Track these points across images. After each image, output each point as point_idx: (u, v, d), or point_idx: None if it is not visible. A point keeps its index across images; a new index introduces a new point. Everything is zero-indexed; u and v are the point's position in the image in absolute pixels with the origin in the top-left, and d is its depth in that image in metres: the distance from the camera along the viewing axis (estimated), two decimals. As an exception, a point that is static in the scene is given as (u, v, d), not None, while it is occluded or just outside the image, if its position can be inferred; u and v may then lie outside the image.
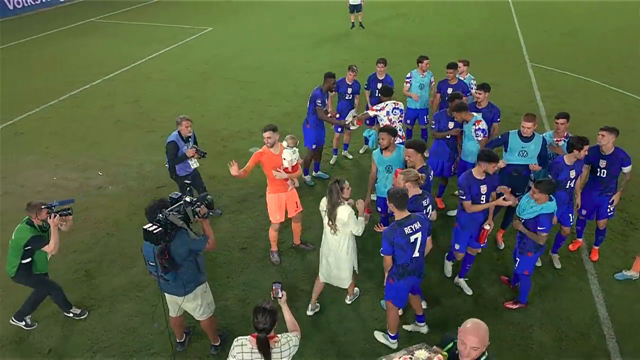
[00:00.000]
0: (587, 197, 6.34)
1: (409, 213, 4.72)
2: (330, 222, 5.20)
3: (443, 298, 6.09)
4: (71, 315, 5.79)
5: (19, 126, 10.73)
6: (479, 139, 6.84)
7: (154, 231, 4.32)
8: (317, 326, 5.70)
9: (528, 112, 6.31)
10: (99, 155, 9.50)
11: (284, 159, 6.18)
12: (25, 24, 19.81)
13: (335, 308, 5.93)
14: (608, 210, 6.36)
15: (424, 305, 5.83)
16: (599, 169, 6.16)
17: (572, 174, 5.92)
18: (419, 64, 8.71)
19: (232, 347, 3.72)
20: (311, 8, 22.31)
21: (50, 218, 5.25)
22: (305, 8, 22.35)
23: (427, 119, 8.99)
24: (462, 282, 6.21)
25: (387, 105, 7.56)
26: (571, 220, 6.32)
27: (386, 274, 5.00)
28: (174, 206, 4.59)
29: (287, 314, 4.06)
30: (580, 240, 6.91)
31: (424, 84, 8.74)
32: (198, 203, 4.75)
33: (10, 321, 5.64)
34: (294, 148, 6.31)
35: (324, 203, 5.27)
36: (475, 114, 6.94)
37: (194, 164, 7.03)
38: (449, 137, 7.18)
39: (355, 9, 18.06)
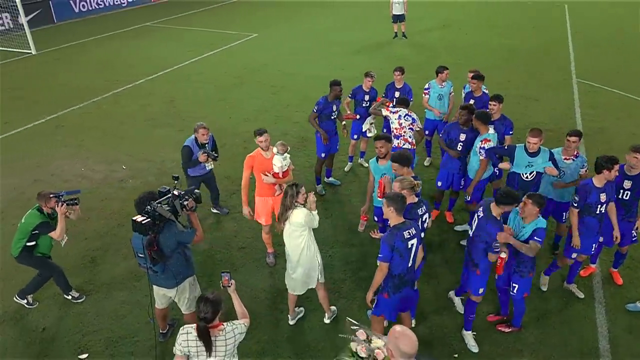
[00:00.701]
0: (607, 222, 5.88)
1: (404, 219, 4.63)
2: (282, 223, 5.25)
3: (433, 315, 5.88)
4: (70, 298, 6.09)
5: (62, 119, 11.48)
6: (482, 157, 6.59)
7: (143, 222, 4.46)
8: (299, 333, 5.68)
9: (534, 128, 6.01)
10: (127, 150, 9.98)
11: (274, 164, 6.21)
12: (86, 26, 21.21)
13: (319, 315, 5.88)
14: (632, 235, 5.96)
15: (413, 323, 5.67)
16: (622, 190, 5.76)
17: (603, 197, 5.44)
18: (439, 74, 8.53)
19: (178, 334, 3.79)
20: (356, 18, 22.42)
21: (58, 206, 5.59)
22: (351, 17, 22.49)
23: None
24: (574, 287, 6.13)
25: (399, 110, 7.49)
26: (592, 250, 5.88)
27: (371, 292, 4.76)
28: (163, 198, 4.75)
29: (236, 302, 4.22)
30: (593, 266, 6.47)
31: (442, 95, 8.54)
32: (186, 197, 4.89)
33: (14, 299, 6.02)
34: (285, 155, 6.27)
35: (300, 217, 5.20)
36: (490, 130, 6.65)
37: (209, 165, 7.21)
38: (459, 149, 6.95)
39: (398, 19, 17.96)
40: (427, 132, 8.82)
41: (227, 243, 7.22)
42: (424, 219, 5.14)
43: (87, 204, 7.79)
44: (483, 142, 6.53)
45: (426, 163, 9.27)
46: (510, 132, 7.17)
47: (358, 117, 8.53)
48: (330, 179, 8.74)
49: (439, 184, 7.34)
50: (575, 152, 6.16)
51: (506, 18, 21.39)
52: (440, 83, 8.54)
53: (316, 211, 5.30)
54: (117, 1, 24.76)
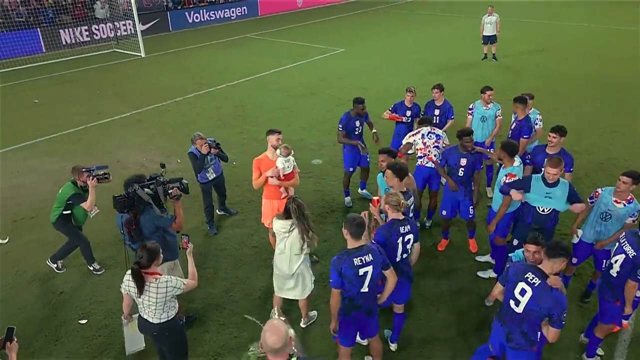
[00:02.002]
0: None
1: (363, 244, 4.42)
2: (306, 244, 5.14)
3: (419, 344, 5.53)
4: (91, 269, 6.75)
5: (143, 114, 12.75)
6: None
7: (119, 199, 4.90)
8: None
9: (553, 156, 5.41)
10: (187, 145, 10.71)
11: (277, 166, 6.27)
12: (195, 35, 23.30)
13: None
14: None
15: (393, 347, 5.41)
16: None
17: None
18: (482, 94, 8.03)
19: (125, 273, 4.29)
20: (447, 37, 21.81)
21: (89, 180, 6.24)
22: (442, 37, 21.94)
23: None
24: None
25: (422, 129, 7.24)
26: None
27: (333, 319, 4.60)
28: (146, 183, 5.13)
29: (190, 265, 4.70)
30: (626, 322, 5.59)
31: (486, 117, 8.02)
32: (171, 185, 5.23)
33: (47, 262, 6.82)
34: (288, 157, 6.32)
35: (280, 224, 5.18)
36: (516, 162, 6.11)
37: (210, 175, 7.42)
38: (461, 174, 6.51)
39: (489, 40, 17.17)
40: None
41: (242, 241, 7.46)
42: (406, 239, 4.88)
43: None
44: (508, 177, 6.01)
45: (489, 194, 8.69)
46: (571, 169, 6.45)
47: (404, 119, 8.40)
48: (364, 191, 8.62)
49: (444, 212, 6.90)
50: (630, 196, 5.40)
51: (616, 48, 19.32)
52: (484, 104, 8.04)
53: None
54: (226, 14, 26.86)
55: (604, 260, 5.52)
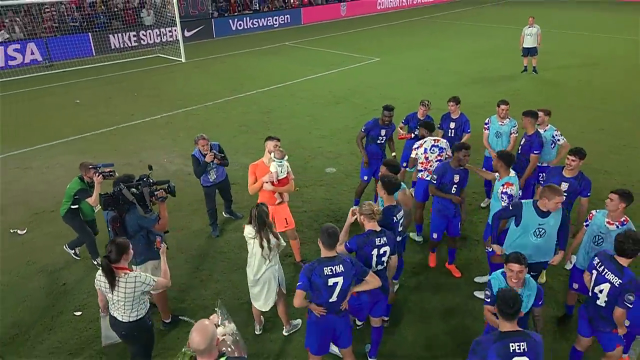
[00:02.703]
0: None
1: (335, 254, 4.40)
2: (268, 250, 5.15)
3: (399, 360, 5.38)
4: (95, 263, 7.03)
5: (173, 117, 13.19)
6: (503, 203, 5.81)
7: (104, 197, 5.10)
8: (259, 341, 5.71)
9: (551, 185, 5.10)
10: (207, 149, 11.04)
11: (270, 170, 6.31)
12: (237, 42, 23.89)
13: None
14: None
15: (371, 361, 5.31)
16: None
17: None
18: (497, 108, 7.75)
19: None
20: (487, 49, 21.21)
21: (95, 176, 6.50)
22: (481, 48, 21.36)
23: None
24: None
25: (425, 142, 7.12)
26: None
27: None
28: (133, 183, 5.31)
29: (163, 264, 4.85)
30: (625, 357, 5.21)
31: (501, 133, 7.73)
32: (157, 187, 5.38)
33: (64, 247, 7.17)
34: (282, 162, 6.32)
35: (247, 229, 5.22)
36: (512, 172, 5.90)
37: (212, 176, 7.48)
38: (454, 191, 6.31)
39: (529, 52, 16.56)
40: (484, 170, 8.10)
41: (242, 245, 7.47)
42: (381, 251, 4.79)
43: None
44: (505, 186, 5.81)
45: (483, 204, 8.41)
46: (588, 194, 6.07)
47: (412, 136, 8.22)
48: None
49: (435, 235, 6.61)
50: (624, 217, 5.07)
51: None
52: (500, 120, 7.75)
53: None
54: (269, 22, 27.39)
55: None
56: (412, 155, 7.23)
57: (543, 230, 5.06)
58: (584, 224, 5.41)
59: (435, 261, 6.93)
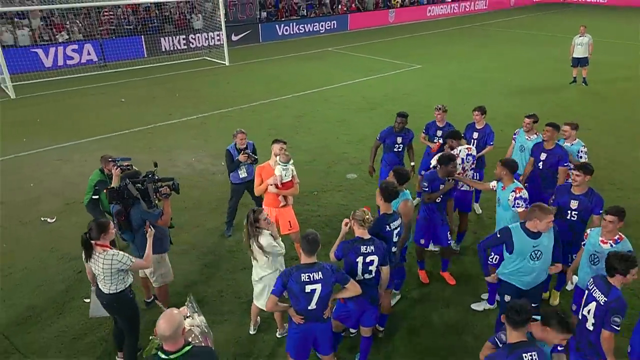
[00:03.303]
0: None
1: (315, 261, 4.38)
2: (251, 253, 5.20)
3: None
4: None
5: (207, 118, 13.60)
6: (519, 209, 5.58)
7: (110, 190, 5.35)
8: (251, 341, 5.77)
9: (539, 204, 4.81)
10: (234, 150, 11.30)
11: (275, 173, 6.36)
12: (282, 47, 24.28)
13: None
14: None
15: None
16: None
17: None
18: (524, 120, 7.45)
19: None
20: (535, 58, 20.38)
21: (114, 169, 6.78)
22: (530, 57, 20.56)
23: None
24: None
25: (460, 151, 6.93)
26: None
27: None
28: (138, 179, 5.52)
29: (148, 247, 5.15)
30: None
31: (525, 147, 7.39)
32: (162, 183, 5.57)
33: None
34: (287, 165, 6.36)
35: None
36: (516, 181, 5.69)
37: (242, 173, 7.62)
38: (438, 200, 6.15)
39: (579, 62, 15.79)
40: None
41: (251, 245, 7.64)
42: (367, 260, 4.71)
43: None
44: (517, 191, 5.63)
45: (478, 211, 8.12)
46: (600, 211, 5.70)
47: (433, 145, 8.12)
48: None
49: (422, 241, 6.47)
50: (618, 235, 4.77)
51: None
52: (527, 134, 7.42)
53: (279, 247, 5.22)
54: (315, 28, 27.67)
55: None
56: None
57: (539, 252, 4.79)
58: (582, 243, 5.14)
59: (427, 278, 6.70)
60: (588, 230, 5.04)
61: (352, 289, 4.51)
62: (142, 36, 21.66)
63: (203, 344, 3.86)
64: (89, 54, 20.28)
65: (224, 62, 20.42)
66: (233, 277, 6.91)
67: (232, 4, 24.72)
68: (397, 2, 32.29)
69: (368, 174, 7.97)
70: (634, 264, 4.04)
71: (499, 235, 4.99)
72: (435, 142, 8.07)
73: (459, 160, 6.91)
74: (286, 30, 26.51)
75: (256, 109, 14.36)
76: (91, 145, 11.67)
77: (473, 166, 7.09)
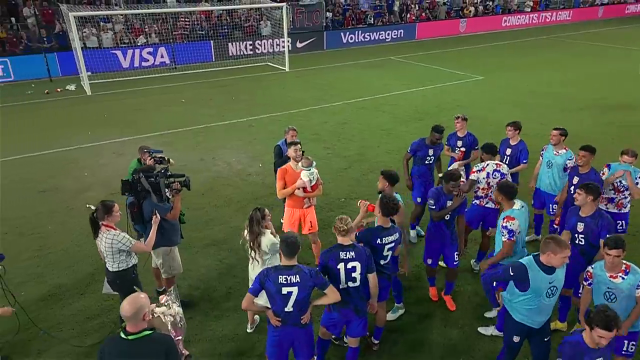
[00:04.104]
0: None
1: (294, 264, 4.39)
2: (254, 252, 5.30)
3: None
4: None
5: (256, 121, 14.00)
6: (504, 239, 5.27)
7: (123, 182, 5.71)
8: (248, 339, 5.87)
9: (554, 237, 4.37)
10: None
11: (302, 179, 6.44)
12: (345, 55, 24.42)
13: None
14: None
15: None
16: None
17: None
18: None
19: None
20: (611, 73, 18.85)
21: (148, 159, 7.15)
22: (605, 72, 19.06)
23: (553, 209, 7.06)
24: None
25: (487, 165, 6.68)
26: None
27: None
28: (152, 173, 5.83)
29: (151, 234, 5.49)
30: None
31: (553, 163, 6.93)
32: (173, 180, 5.85)
33: None
34: (311, 169, 6.43)
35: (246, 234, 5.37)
36: (517, 204, 5.37)
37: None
38: (447, 217, 5.84)
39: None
40: (534, 204, 7.38)
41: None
42: (349, 266, 4.64)
43: (211, 183, 9.96)
44: (505, 220, 5.29)
45: (527, 238, 7.57)
46: (606, 234, 5.30)
47: (455, 154, 7.96)
48: (415, 230, 8.04)
49: (429, 261, 6.17)
50: (624, 265, 4.33)
51: None
52: (555, 149, 6.94)
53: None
54: (381, 36, 27.55)
55: (628, 342, 4.56)
56: (473, 177, 6.79)
57: (555, 288, 4.40)
58: (585, 283, 4.69)
59: (437, 295, 6.44)
60: (590, 269, 4.58)
61: (331, 296, 4.47)
62: (212, 41, 22.75)
63: (173, 334, 4.01)
64: (162, 56, 21.66)
65: (284, 68, 20.93)
66: (244, 275, 6.96)
67: (300, 12, 25.29)
68: (470, 11, 31.32)
69: (407, 187, 7.72)
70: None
71: (511, 273, 4.47)
72: (457, 152, 7.79)
73: (483, 174, 6.66)
74: (351, 38, 26.65)
75: (305, 114, 14.58)
76: (145, 141, 12.36)
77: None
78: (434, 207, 5.93)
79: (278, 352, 4.61)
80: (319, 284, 4.40)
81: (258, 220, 5.24)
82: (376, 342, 5.67)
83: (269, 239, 5.25)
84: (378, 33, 27.46)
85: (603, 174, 6.47)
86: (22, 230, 8.37)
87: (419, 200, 7.72)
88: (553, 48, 25.23)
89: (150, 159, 7.00)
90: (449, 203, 5.89)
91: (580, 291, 5.16)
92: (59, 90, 17.63)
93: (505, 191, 5.40)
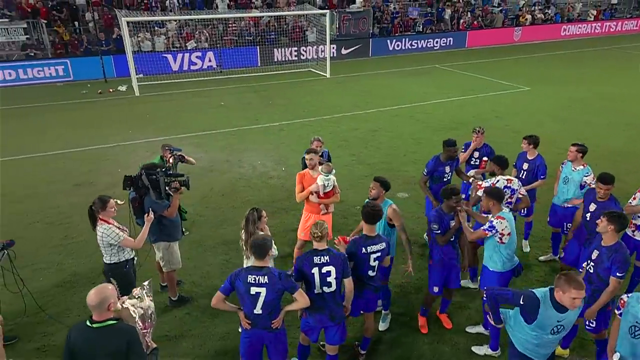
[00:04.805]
0: None
1: (264, 265, 4.44)
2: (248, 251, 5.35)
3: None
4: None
5: (288, 125, 14.18)
6: (483, 228, 5.25)
7: (125, 177, 5.98)
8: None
9: (569, 273, 4.05)
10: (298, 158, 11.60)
11: (317, 183, 6.49)
12: (390, 62, 24.20)
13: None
14: None
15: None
16: None
17: None
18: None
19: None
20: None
21: (168, 156, 7.57)
22: None
23: (567, 227, 6.66)
24: None
25: (498, 182, 6.36)
26: None
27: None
28: (153, 171, 6.07)
29: (143, 231, 5.66)
30: None
31: (569, 179, 6.56)
32: (173, 178, 6.05)
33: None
34: (329, 175, 6.47)
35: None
36: (505, 209, 5.22)
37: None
38: (452, 239, 5.60)
39: None
40: (550, 222, 7.02)
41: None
42: (323, 271, 4.63)
43: (233, 184, 10.24)
44: (496, 218, 5.21)
45: (542, 258, 7.22)
46: (618, 274, 4.82)
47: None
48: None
49: (436, 289, 5.76)
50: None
51: None
52: (574, 165, 6.55)
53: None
54: (429, 44, 27.10)
55: None
56: (479, 194, 6.42)
57: (561, 327, 4.13)
58: (617, 312, 4.27)
59: (427, 326, 6.04)
60: (625, 297, 4.21)
61: (301, 300, 4.46)
62: (258, 47, 23.31)
63: (140, 326, 4.14)
64: (209, 60, 22.44)
65: (325, 74, 21.07)
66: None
67: (346, 19, 25.37)
68: (526, 19, 30.15)
69: (434, 205, 7.21)
70: None
71: (522, 302, 4.16)
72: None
73: None
74: (397, 45, 26.40)
75: (337, 120, 14.60)
76: (179, 142, 12.90)
77: (510, 200, 6.42)
78: (439, 231, 5.57)
79: (250, 352, 4.66)
80: (288, 287, 4.41)
81: (254, 221, 5.33)
82: (363, 352, 5.60)
83: None
84: (426, 41, 27.03)
85: (634, 198, 6.03)
86: (52, 219, 8.94)
87: None
88: (615, 60, 23.83)
89: (171, 156, 7.38)
90: (452, 223, 5.58)
91: (589, 323, 4.86)
92: (110, 90, 18.67)
93: (497, 196, 5.21)
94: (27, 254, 7.57)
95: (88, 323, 3.69)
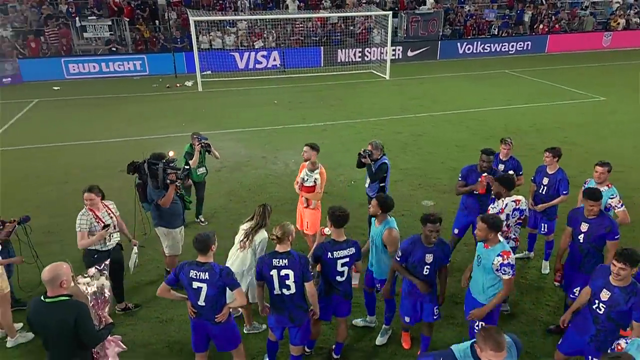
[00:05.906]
0: None
1: (207, 261, 4.52)
2: (245, 240, 5.50)
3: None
4: (197, 220, 8.79)
5: (331, 126, 14.15)
6: (507, 277, 4.66)
7: (129, 163, 6.36)
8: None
9: (489, 329, 3.43)
10: (322, 160, 11.50)
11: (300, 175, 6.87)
12: (459, 65, 23.23)
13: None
14: None
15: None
16: None
17: None
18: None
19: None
20: None
21: (196, 144, 8.13)
22: None
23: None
24: None
25: (506, 206, 5.88)
26: None
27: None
28: (156, 161, 6.37)
29: (98, 235, 5.81)
30: None
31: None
32: (169, 170, 6.32)
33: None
34: (310, 173, 6.89)
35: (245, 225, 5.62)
36: (501, 239, 4.74)
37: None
38: (426, 272, 5.12)
39: None
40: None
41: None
42: (282, 274, 4.61)
43: (262, 180, 10.53)
44: (504, 257, 4.66)
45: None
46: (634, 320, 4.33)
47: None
48: None
49: (407, 319, 5.31)
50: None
51: None
52: (599, 185, 5.92)
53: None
54: (504, 48, 25.71)
55: None
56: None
57: None
58: None
59: (409, 342, 5.76)
60: (623, 343, 3.92)
61: (238, 299, 4.52)
62: (322, 47, 23.51)
63: (92, 304, 4.37)
64: (274, 59, 23.03)
65: (384, 77, 20.76)
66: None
67: (415, 21, 24.81)
68: (619, 23, 27.58)
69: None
70: None
71: None
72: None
73: (502, 216, 5.72)
74: (468, 48, 25.33)
75: (382, 123, 14.34)
76: (223, 136, 13.45)
77: (519, 221, 5.94)
78: (398, 259, 5.10)
79: (195, 339, 4.81)
80: (229, 284, 4.48)
81: (269, 214, 5.59)
82: (336, 357, 5.49)
83: (264, 236, 5.50)
84: (500, 44, 25.69)
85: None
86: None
87: (456, 231, 7.15)
88: None
89: (199, 144, 7.97)
90: (429, 257, 4.95)
91: None
92: (178, 85, 19.81)
93: (491, 225, 4.71)
94: (61, 231, 8.33)
95: (42, 297, 3.98)
